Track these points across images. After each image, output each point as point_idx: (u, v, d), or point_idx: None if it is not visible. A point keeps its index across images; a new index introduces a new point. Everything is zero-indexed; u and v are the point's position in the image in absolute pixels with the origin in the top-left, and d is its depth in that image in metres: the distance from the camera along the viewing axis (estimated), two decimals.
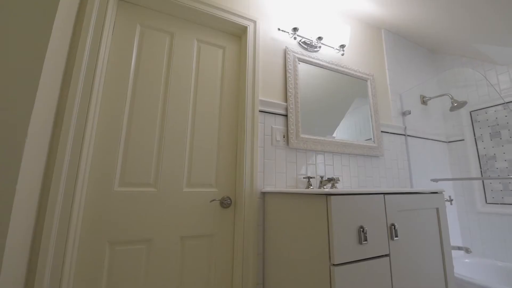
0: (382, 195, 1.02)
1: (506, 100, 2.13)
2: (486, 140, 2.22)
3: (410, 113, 2.21)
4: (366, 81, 2.07)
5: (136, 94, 1.33)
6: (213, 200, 1.33)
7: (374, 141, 1.94)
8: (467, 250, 1.98)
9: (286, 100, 1.64)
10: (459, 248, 2.02)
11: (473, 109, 2.34)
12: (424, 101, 2.42)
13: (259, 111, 1.52)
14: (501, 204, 2.08)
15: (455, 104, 2.13)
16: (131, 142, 1.27)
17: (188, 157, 1.38)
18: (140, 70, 1.36)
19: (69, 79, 1.10)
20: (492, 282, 1.54)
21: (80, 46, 1.14)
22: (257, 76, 1.55)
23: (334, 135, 1.81)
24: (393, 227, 1.01)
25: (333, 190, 0.90)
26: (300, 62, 1.76)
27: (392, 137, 2.08)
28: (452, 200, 2.18)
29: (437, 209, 1.19)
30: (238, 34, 1.67)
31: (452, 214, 2.29)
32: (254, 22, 1.64)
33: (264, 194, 1.42)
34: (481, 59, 2.33)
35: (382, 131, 2.03)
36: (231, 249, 1.38)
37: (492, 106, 2.22)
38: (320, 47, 1.85)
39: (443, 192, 1.29)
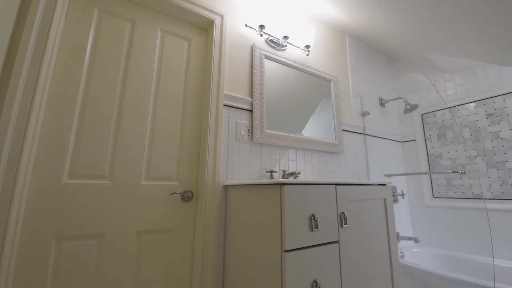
0: (334, 185, 1.09)
1: (451, 104, 2.36)
2: (434, 141, 2.45)
3: (369, 114, 2.36)
4: (330, 82, 2.17)
5: (91, 80, 1.25)
6: (173, 193, 1.31)
7: (335, 139, 2.04)
8: (416, 240, 2.17)
9: (251, 96, 1.66)
10: (410, 239, 2.21)
11: (424, 112, 2.57)
12: (382, 103, 2.60)
13: (224, 105, 1.53)
14: (445, 198, 2.31)
15: (408, 107, 2.32)
16: (84, 131, 1.20)
17: (147, 149, 1.34)
18: (97, 57, 1.29)
19: (13, 58, 1.01)
20: (434, 268, 1.71)
21: (28, 24, 1.05)
22: (223, 70, 1.55)
23: (303, 132, 1.88)
24: (343, 215, 1.07)
25: (287, 180, 0.93)
26: (267, 60, 1.80)
27: (352, 135, 2.21)
28: (404, 194, 2.37)
29: (385, 200, 1.29)
30: (205, 27, 1.66)
31: (404, 208, 2.48)
32: (221, 16, 1.64)
33: (226, 187, 1.42)
34: (432, 67, 2.57)
35: (343, 130, 2.14)
36: (191, 243, 1.36)
37: (439, 110, 2.45)
38: (286, 46, 1.91)
39: (391, 185, 1.40)
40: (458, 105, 2.32)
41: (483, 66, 2.21)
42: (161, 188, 1.33)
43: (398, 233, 2.27)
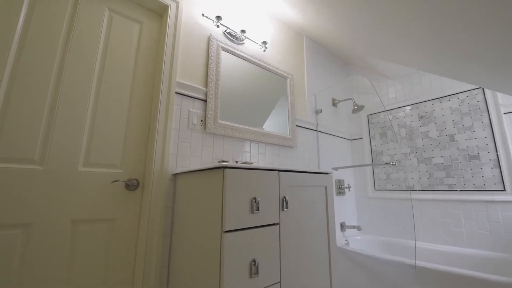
0: (277, 172, 1.14)
1: (392, 107, 2.64)
2: (377, 139, 2.71)
3: (321, 112, 2.51)
4: (286, 79, 2.26)
5: (22, 56, 1.13)
6: (116, 181, 1.24)
7: (289, 134, 2.13)
8: (358, 228, 2.38)
9: (206, 86, 1.65)
10: (354, 227, 2.41)
11: (369, 113, 2.82)
12: (334, 103, 2.79)
13: (176, 93, 1.50)
14: (384, 190, 2.56)
15: (356, 107, 2.53)
16: (11, 109, 1.08)
17: (88, 133, 1.25)
18: (31, 29, 1.16)
19: None
20: (371, 251, 1.89)
21: None
22: (176, 57, 1.52)
23: (264, 127, 1.94)
24: (284, 199, 1.13)
25: (230, 164, 0.95)
26: (224, 52, 1.81)
27: (305, 131, 2.33)
28: (350, 187, 2.58)
29: (326, 187, 1.40)
30: (159, 12, 1.61)
31: (350, 199, 2.70)
32: (177, 2, 1.61)
33: (175, 176, 1.40)
34: (378, 73, 2.83)
35: (297, 125, 2.25)
36: (135, 233, 1.31)
37: (381, 112, 2.72)
38: (244, 40, 1.94)
39: (332, 174, 1.51)
40: (396, 108, 2.60)
41: (417, 74, 2.52)
42: (102, 175, 1.25)
43: (344, 222, 2.46)
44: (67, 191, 1.15)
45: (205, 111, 1.61)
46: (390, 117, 2.63)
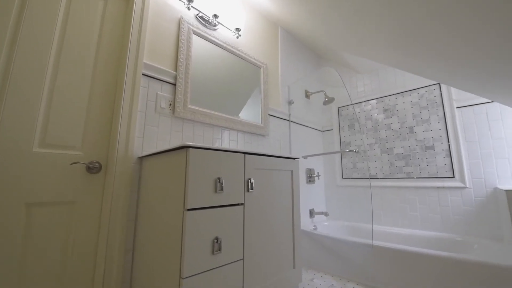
0: (243, 154, 1.16)
1: (360, 100, 2.77)
2: (346, 130, 2.84)
3: (294, 102, 2.57)
4: (260, 68, 2.28)
5: None
6: (76, 163, 1.19)
7: (261, 122, 2.16)
8: (326, 214, 2.50)
9: (176, 69, 1.62)
10: (322, 213, 2.52)
11: (340, 106, 2.94)
12: (308, 95, 2.86)
13: (143, 74, 1.45)
14: (351, 178, 2.71)
15: (327, 99, 2.62)
16: None
17: (44, 112, 1.18)
18: None
19: None
20: (335, 234, 2.00)
21: None
22: (143, 38, 1.47)
23: (240, 115, 1.95)
24: (249, 180, 1.16)
25: (194, 144, 0.96)
26: (196, 36, 1.77)
27: (278, 120, 2.38)
28: (319, 175, 2.69)
29: (292, 172, 1.45)
30: None
31: (320, 187, 2.82)
32: None
33: (141, 159, 1.37)
34: (349, 67, 2.95)
35: (269, 114, 2.28)
36: (98, 217, 1.27)
37: (350, 104, 2.85)
38: (217, 26, 1.92)
39: (298, 159, 1.57)
40: (364, 101, 2.73)
41: (384, 70, 2.66)
42: (61, 157, 1.19)
43: (313, 209, 2.57)
44: (21, 172, 1.08)
45: (174, 95, 1.58)
46: (358, 109, 2.76)
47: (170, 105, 1.54)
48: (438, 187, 2.14)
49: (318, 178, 2.71)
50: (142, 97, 1.43)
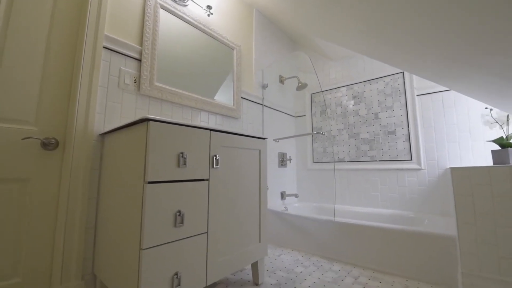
0: (208, 131, 1.17)
1: (331, 87, 2.85)
2: (318, 116, 2.93)
3: (267, 87, 2.59)
4: (233, 50, 2.24)
5: None
6: (27, 138, 1.12)
7: (233, 104, 2.16)
8: (296, 196, 2.60)
9: (141, 44, 1.55)
10: (293, 195, 2.62)
11: (312, 92, 3.01)
12: (282, 80, 2.89)
13: (104, 47, 1.37)
14: (321, 162, 2.82)
15: (300, 85, 2.67)
16: None
17: None
18: None
19: None
20: (303, 213, 2.10)
21: None
22: (104, 7, 1.38)
23: (216, 98, 1.92)
24: (215, 157, 1.17)
25: (155, 117, 0.94)
26: (164, 11, 1.70)
27: (251, 104, 2.38)
28: (291, 159, 2.77)
29: (259, 151, 1.48)
30: None
31: (292, 171, 2.91)
32: None
33: (103, 136, 1.32)
34: (322, 54, 3.00)
35: (242, 97, 2.28)
36: (55, 196, 1.21)
37: (321, 91, 2.92)
38: (187, 1, 1.84)
39: (266, 139, 1.60)
40: (335, 88, 2.82)
41: (355, 58, 2.75)
42: (11, 131, 1.11)
43: (284, 191, 2.66)
44: None
45: (139, 71, 1.52)
46: (330, 96, 2.85)
47: (135, 81, 1.49)
48: (397, 169, 2.31)
49: (290, 162, 2.79)
50: (103, 71, 1.36)
